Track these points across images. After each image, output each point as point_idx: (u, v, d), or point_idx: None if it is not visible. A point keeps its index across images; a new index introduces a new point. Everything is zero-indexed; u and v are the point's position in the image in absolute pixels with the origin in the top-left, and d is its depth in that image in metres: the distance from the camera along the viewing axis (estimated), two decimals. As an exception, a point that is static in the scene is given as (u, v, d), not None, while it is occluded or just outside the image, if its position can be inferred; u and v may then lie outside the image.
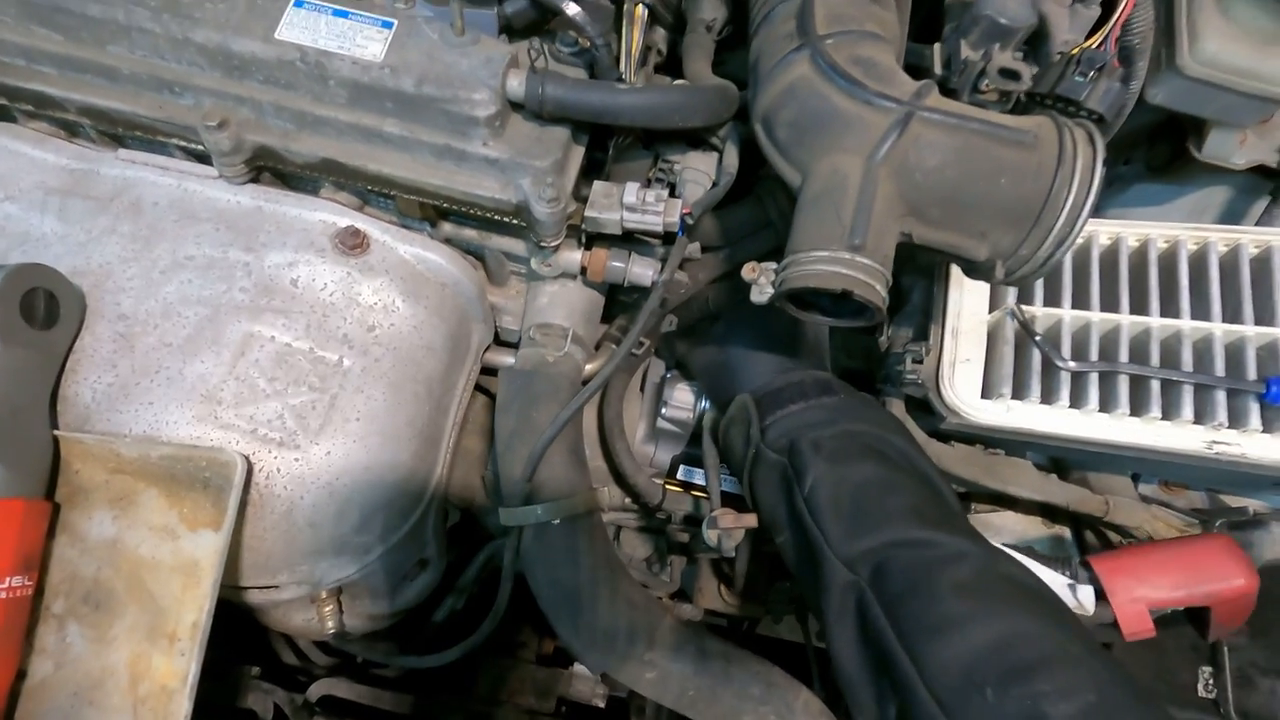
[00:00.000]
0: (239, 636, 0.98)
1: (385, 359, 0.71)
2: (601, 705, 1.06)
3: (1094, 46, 0.65)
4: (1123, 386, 0.70)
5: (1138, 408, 0.69)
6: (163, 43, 0.67)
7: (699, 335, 0.86)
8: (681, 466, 0.89)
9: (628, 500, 0.88)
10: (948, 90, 0.67)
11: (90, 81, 0.70)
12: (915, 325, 0.81)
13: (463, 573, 0.94)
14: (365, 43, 0.66)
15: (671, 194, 0.77)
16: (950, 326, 0.75)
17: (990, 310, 0.76)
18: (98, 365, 0.66)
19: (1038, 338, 0.72)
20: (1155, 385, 0.69)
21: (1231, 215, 0.88)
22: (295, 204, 0.73)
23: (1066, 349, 0.72)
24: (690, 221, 0.73)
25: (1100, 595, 0.66)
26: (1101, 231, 0.77)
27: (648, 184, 0.77)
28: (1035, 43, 0.69)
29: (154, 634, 0.59)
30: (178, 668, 0.58)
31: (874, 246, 0.56)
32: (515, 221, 0.72)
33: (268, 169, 0.74)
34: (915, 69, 0.69)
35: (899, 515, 0.56)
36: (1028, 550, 0.74)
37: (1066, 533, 0.86)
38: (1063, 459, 0.85)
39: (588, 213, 0.72)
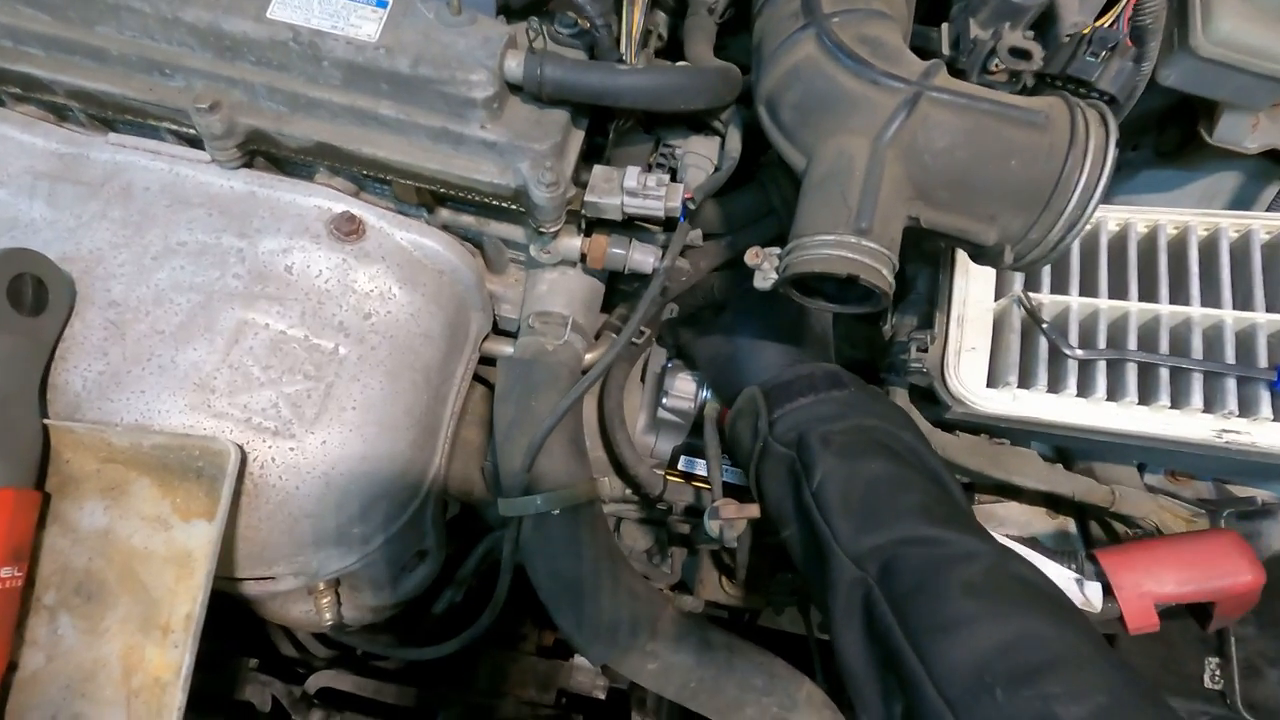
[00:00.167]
0: (238, 629, 0.97)
1: (382, 347, 0.70)
2: (602, 697, 1.06)
3: (1106, 25, 0.64)
4: (1131, 375, 0.69)
5: (1146, 396, 0.68)
6: (152, 22, 0.65)
7: (703, 324, 0.85)
8: (683, 457, 0.88)
9: (628, 491, 0.87)
10: (956, 71, 0.66)
11: (79, 63, 0.68)
12: (920, 313, 0.80)
13: (462, 564, 0.93)
14: (360, 22, 0.64)
15: (673, 179, 0.76)
16: (955, 314, 0.74)
17: (996, 298, 0.75)
18: (88, 353, 0.65)
19: (1044, 325, 0.71)
20: (1164, 373, 0.68)
21: (1242, 201, 0.86)
22: (289, 189, 0.71)
23: (1074, 337, 0.71)
24: (692, 207, 0.72)
25: (1107, 589, 0.66)
26: (1110, 218, 0.76)
27: (649, 169, 0.76)
28: (1045, 23, 0.67)
29: (147, 625, 0.58)
30: (171, 659, 0.57)
31: (881, 230, 0.55)
32: (514, 207, 0.70)
33: (261, 153, 0.72)
34: (922, 51, 0.68)
35: (908, 512, 0.55)
36: (1033, 543, 0.73)
37: (1071, 524, 0.85)
38: (1068, 449, 0.84)
39: (587, 197, 0.71)
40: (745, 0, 0.72)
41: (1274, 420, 0.66)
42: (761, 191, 0.81)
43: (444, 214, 0.77)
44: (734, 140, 0.77)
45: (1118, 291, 0.73)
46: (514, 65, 0.65)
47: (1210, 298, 0.71)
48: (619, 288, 0.88)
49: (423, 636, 0.92)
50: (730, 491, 0.74)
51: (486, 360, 0.87)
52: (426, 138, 0.68)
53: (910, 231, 0.60)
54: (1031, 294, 0.74)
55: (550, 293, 0.80)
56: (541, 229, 0.71)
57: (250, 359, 0.66)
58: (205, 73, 0.67)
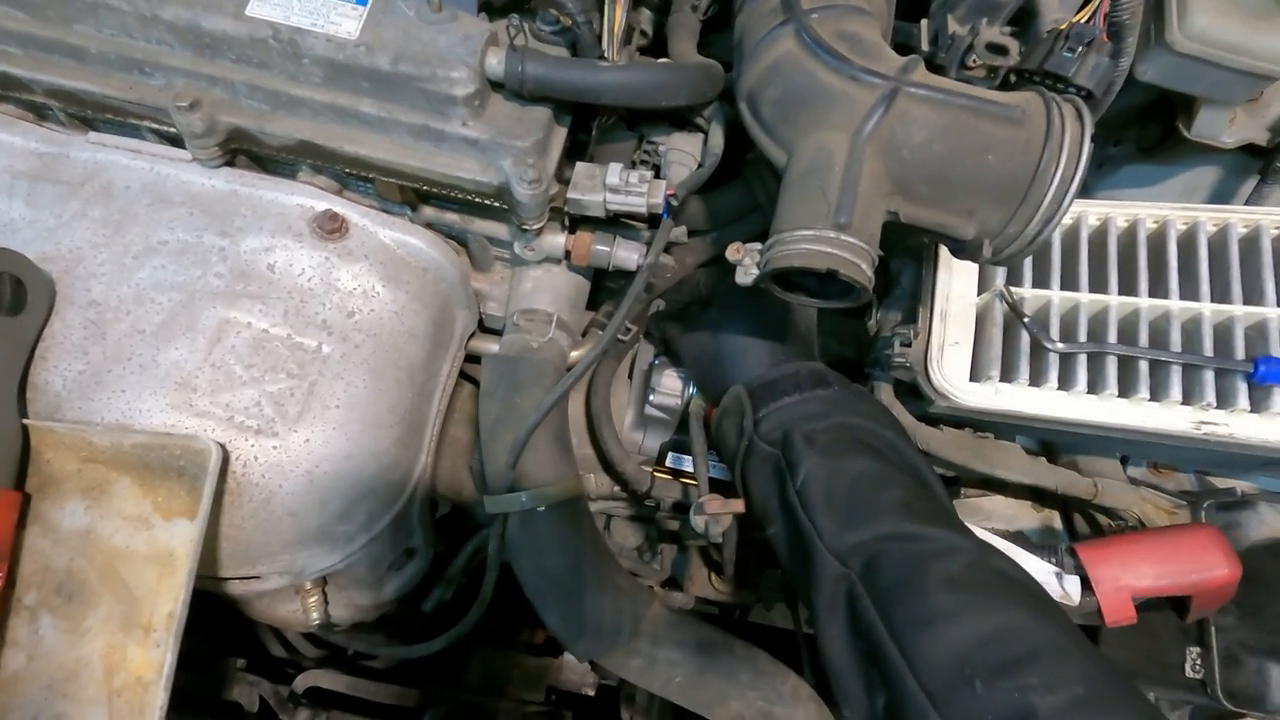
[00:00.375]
0: (226, 629, 0.97)
1: (365, 345, 0.70)
2: (592, 694, 1.06)
3: (1083, 21, 0.64)
4: (1111, 367, 0.69)
5: (1126, 389, 0.69)
6: (131, 20, 0.65)
7: (689, 321, 0.85)
8: (670, 453, 0.88)
9: (616, 488, 0.87)
10: (934, 66, 0.66)
11: (57, 61, 0.68)
12: (904, 309, 0.81)
13: (451, 562, 0.93)
14: (339, 20, 0.64)
15: (656, 175, 0.76)
16: (939, 309, 0.75)
17: (979, 292, 0.76)
18: (68, 352, 0.64)
19: (1026, 319, 0.71)
20: (1144, 366, 0.69)
21: (1221, 195, 0.87)
22: (272, 187, 0.71)
23: (1055, 330, 0.72)
24: (675, 203, 0.72)
25: (1085, 583, 0.66)
26: (1090, 212, 0.76)
27: (632, 165, 0.76)
28: (1023, 19, 0.68)
29: (129, 625, 0.58)
30: (153, 659, 0.57)
31: (860, 225, 0.55)
32: (497, 204, 0.70)
33: (243, 151, 0.72)
34: (902, 47, 0.68)
35: (891, 509, 0.56)
36: (1017, 536, 0.74)
37: (1056, 518, 0.86)
38: (1052, 442, 0.85)
39: (570, 194, 0.71)
40: (728, -3, 0.72)
41: (1251, 412, 0.67)
42: (747, 188, 0.82)
43: (428, 212, 0.77)
44: (717, 136, 0.77)
45: (1098, 285, 0.74)
46: (495, 62, 0.65)
47: (1189, 291, 0.72)
48: (605, 285, 0.88)
49: (412, 635, 0.92)
50: (716, 487, 0.74)
51: (475, 359, 0.87)
52: (408, 135, 0.67)
53: (891, 227, 0.60)
54: (1013, 288, 0.74)
55: (535, 290, 0.80)
56: (525, 226, 0.72)
57: (232, 358, 0.65)
58: (185, 71, 0.66)
